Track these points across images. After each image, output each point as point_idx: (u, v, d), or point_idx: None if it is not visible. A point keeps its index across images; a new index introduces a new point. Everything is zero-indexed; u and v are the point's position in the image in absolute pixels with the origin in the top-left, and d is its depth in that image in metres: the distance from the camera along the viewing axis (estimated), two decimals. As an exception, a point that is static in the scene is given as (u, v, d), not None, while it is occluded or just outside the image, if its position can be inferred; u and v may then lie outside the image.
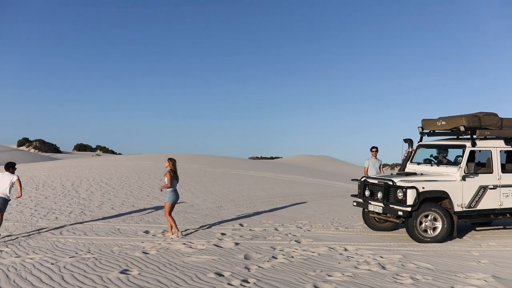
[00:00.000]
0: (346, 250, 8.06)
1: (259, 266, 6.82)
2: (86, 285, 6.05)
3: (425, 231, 8.77)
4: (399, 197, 8.69)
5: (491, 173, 9.37)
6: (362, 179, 9.92)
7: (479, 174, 9.24)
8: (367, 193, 9.64)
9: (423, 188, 8.68)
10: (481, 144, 9.48)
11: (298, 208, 13.48)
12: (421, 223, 8.72)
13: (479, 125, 9.44)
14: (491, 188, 9.23)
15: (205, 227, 10.06)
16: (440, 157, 10.01)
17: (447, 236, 8.83)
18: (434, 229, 8.79)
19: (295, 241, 8.73)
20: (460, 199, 8.98)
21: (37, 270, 6.94)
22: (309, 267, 6.85)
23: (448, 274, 6.60)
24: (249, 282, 6.02)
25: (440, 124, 9.89)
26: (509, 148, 9.68)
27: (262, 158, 75.65)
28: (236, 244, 8.38)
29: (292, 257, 7.45)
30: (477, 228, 10.46)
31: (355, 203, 9.93)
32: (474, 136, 9.49)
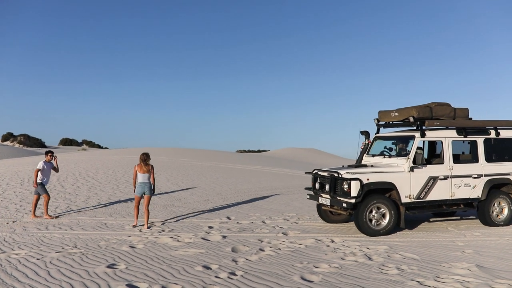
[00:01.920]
0: (333, 241, 8.12)
1: (246, 259, 6.85)
2: (72, 280, 6.01)
3: (373, 222, 8.63)
4: (345, 189, 8.56)
5: (442, 163, 9.28)
6: (314, 172, 9.79)
7: (430, 165, 9.16)
8: (317, 185, 9.54)
9: (368, 179, 8.55)
10: (432, 135, 9.39)
11: (285, 201, 13.53)
12: (369, 215, 8.59)
13: (430, 115, 9.35)
14: (441, 179, 9.12)
15: (193, 221, 10.05)
16: (394, 149, 9.79)
17: (394, 227, 8.79)
18: (383, 220, 8.68)
19: (282, 233, 8.77)
20: (408, 190, 8.84)
21: (23, 265, 6.88)
22: (296, 259, 6.90)
23: (433, 264, 6.69)
24: (236, 275, 6.04)
25: (394, 115, 9.80)
26: (461, 138, 9.60)
27: (249, 151, 75.71)
28: (224, 237, 8.39)
29: (280, 249, 7.49)
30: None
31: (308, 196, 9.82)
32: (424, 127, 9.40)
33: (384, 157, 9.69)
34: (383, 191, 8.86)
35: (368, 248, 7.60)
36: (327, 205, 9.36)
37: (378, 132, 10.58)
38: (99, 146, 78.56)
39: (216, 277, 5.96)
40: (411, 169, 8.89)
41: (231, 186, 17.13)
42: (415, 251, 7.47)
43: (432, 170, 9.11)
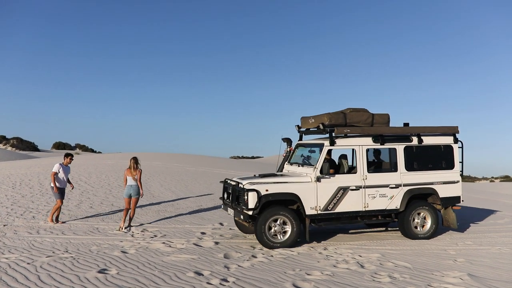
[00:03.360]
0: (325, 249, 8.12)
1: (238, 265, 6.83)
2: (63, 285, 5.97)
3: (275, 235, 8.17)
4: (244, 200, 8.14)
5: (355, 173, 8.72)
6: (224, 181, 9.39)
7: (341, 175, 8.65)
8: (225, 195, 9.21)
9: (267, 190, 8.09)
10: (344, 143, 8.79)
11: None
12: (270, 227, 8.14)
13: (344, 122, 8.79)
14: (353, 189, 8.50)
15: (185, 226, 10.02)
16: (310, 157, 9.34)
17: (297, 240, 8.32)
18: (284, 233, 8.19)
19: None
20: (314, 201, 8.29)
21: (13, 269, 6.82)
22: (288, 266, 6.88)
23: (425, 272, 6.70)
24: (228, 281, 6.02)
25: (311, 122, 9.31)
26: (377, 146, 8.98)
27: (243, 157, 75.62)
28: (216, 243, 8.36)
29: (272, 256, 7.47)
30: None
31: (222, 206, 9.43)
32: (334, 134, 8.77)
33: (299, 166, 9.18)
34: (286, 202, 8.36)
35: (360, 256, 7.60)
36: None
37: (300, 139, 10.07)
38: (92, 150, 78.16)
39: (208, 283, 5.93)
40: (318, 179, 8.34)
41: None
42: (407, 259, 7.48)
43: (343, 180, 8.53)
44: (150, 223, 10.37)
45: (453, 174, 9.36)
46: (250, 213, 8.04)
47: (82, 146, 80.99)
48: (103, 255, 7.53)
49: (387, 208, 8.78)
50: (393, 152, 9.02)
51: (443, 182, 9.19)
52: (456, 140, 9.45)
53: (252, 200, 7.98)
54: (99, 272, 6.51)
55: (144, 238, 8.73)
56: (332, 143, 8.59)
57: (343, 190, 8.47)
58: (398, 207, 8.84)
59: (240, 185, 8.39)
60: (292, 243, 8.15)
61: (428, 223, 9.14)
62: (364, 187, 8.62)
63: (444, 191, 9.18)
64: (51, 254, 7.68)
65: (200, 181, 19.98)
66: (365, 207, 8.62)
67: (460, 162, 9.49)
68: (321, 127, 8.70)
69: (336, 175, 8.57)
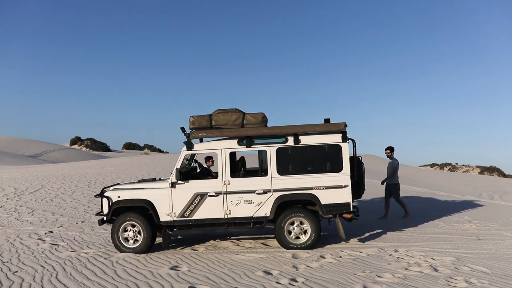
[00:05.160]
0: (396, 251, 7.89)
1: (307, 266, 6.79)
2: (138, 280, 6.21)
3: (127, 240, 8.01)
4: (101, 206, 8.23)
5: (216, 178, 8.11)
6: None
7: (199, 180, 8.17)
8: None
9: (119, 197, 8.03)
10: (204, 147, 8.25)
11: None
12: (122, 233, 8.02)
13: (209, 124, 8.16)
14: (211, 196, 7.93)
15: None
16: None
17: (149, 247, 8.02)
18: (137, 240, 8.01)
19: (343, 241, 8.62)
20: (169, 208, 7.94)
21: (92, 264, 7.20)
22: (358, 267, 6.75)
23: (505, 278, 6.33)
24: (297, 281, 6.00)
25: (190, 121, 8.54)
26: (244, 149, 8.15)
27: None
28: (284, 243, 8.36)
29: (341, 257, 7.37)
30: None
31: None
32: (190, 138, 8.22)
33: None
34: (142, 209, 8.16)
35: (433, 259, 7.31)
36: None
37: (201, 141, 9.10)
38: (160, 150, 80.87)
39: (277, 283, 5.95)
40: (172, 185, 7.98)
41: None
42: (485, 264, 7.10)
43: (200, 186, 8.01)
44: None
45: (340, 178, 7.94)
46: (104, 218, 8.15)
47: (150, 146, 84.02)
48: (174, 252, 7.77)
49: (254, 216, 7.92)
50: (263, 154, 8.21)
51: (326, 187, 7.91)
52: (345, 139, 8.05)
53: (105, 206, 8.07)
54: (171, 268, 6.72)
55: (213, 237, 8.91)
56: (190, 147, 8.12)
57: (201, 196, 7.94)
58: (268, 214, 7.89)
59: (103, 191, 8.37)
60: (143, 249, 7.93)
61: (308, 232, 7.95)
62: (225, 193, 7.94)
63: (327, 197, 7.89)
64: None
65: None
66: (227, 214, 7.92)
67: (353, 164, 8.32)
68: (182, 131, 8.20)
69: (194, 181, 8.09)
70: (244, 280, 6.08)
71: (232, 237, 9.01)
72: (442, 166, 68.49)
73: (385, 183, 11.64)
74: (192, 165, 9.32)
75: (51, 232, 9.91)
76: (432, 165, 70.67)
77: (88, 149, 74.57)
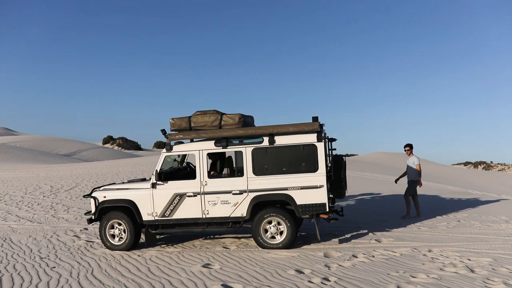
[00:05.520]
0: (430, 251, 7.74)
1: (339, 265, 6.73)
2: (171, 278, 6.29)
3: (114, 237, 8.31)
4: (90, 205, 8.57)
5: (194, 178, 8.16)
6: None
7: (178, 181, 8.25)
8: None
9: (104, 197, 8.35)
10: (183, 148, 8.34)
11: (375, 206, 13.15)
12: (109, 230, 8.33)
13: (188, 126, 8.27)
14: (190, 196, 8.03)
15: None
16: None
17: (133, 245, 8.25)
18: (121, 238, 8.27)
19: (375, 240, 8.51)
20: (151, 208, 8.16)
21: (126, 261, 7.34)
22: (391, 267, 6.66)
23: (545, 280, 6.13)
24: (330, 281, 5.96)
25: (171, 123, 8.74)
26: (220, 150, 8.20)
27: (336, 155, 74.59)
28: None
29: (373, 256, 7.28)
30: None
31: None
32: (168, 141, 8.35)
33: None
34: (125, 209, 8.36)
35: (469, 260, 7.14)
36: None
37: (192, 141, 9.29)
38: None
39: (309, 281, 5.92)
40: (153, 186, 8.17)
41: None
42: (524, 265, 6.89)
43: (179, 186, 8.13)
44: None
45: (316, 178, 7.77)
46: (92, 217, 8.51)
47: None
48: (206, 250, 7.84)
49: (231, 216, 7.96)
50: (239, 155, 8.14)
51: (302, 187, 7.77)
52: (320, 138, 7.86)
53: (92, 205, 8.44)
54: (203, 266, 6.78)
55: (244, 235, 8.94)
56: (169, 149, 8.26)
57: (180, 196, 8.06)
58: (244, 214, 7.90)
59: (92, 192, 8.72)
60: (127, 247, 8.17)
61: (284, 232, 7.88)
62: (202, 194, 8.02)
63: (302, 198, 7.76)
64: (158, 248, 8.16)
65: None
66: (204, 214, 8.01)
67: (330, 163, 8.31)
68: (162, 133, 8.30)
69: (173, 182, 8.21)
70: (276, 279, 6.08)
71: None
72: (476, 165, 66.91)
73: (407, 181, 11.41)
74: (183, 165, 9.51)
75: (86, 229, 10.15)
76: (466, 164, 69.13)
77: (120, 148, 75.93)
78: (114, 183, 9.15)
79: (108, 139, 79.39)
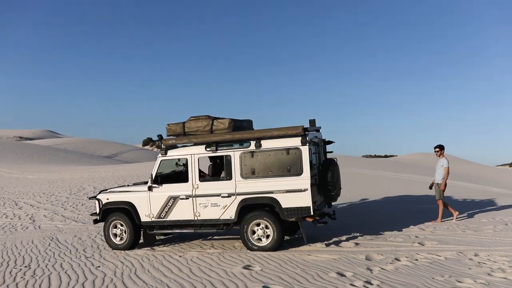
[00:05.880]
0: (476, 255, 7.49)
1: (381, 268, 6.61)
2: (212, 279, 6.35)
3: (116, 237, 8.80)
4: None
5: (187, 182, 8.38)
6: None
7: (172, 184, 8.53)
8: None
9: (107, 199, 8.87)
10: (177, 152, 8.66)
11: (417, 209, 12.84)
12: (112, 230, 8.81)
13: (182, 131, 8.54)
14: (183, 198, 8.29)
15: (323, 226, 9.97)
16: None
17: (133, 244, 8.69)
18: (122, 238, 8.74)
19: (418, 243, 8.31)
20: (148, 209, 8.52)
21: (167, 261, 7.46)
22: (435, 271, 6.48)
23: None
24: (372, 284, 5.86)
25: (167, 128, 9.08)
26: (210, 154, 8.38)
27: (375, 156, 73.50)
28: (356, 244, 8.21)
29: (417, 260, 7.10)
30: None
31: None
32: (163, 146, 8.73)
33: None
34: (125, 210, 8.78)
35: (519, 265, 6.87)
36: None
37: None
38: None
39: (352, 285, 5.84)
40: (150, 189, 8.52)
41: (359, 191, 16.77)
42: None
43: (173, 189, 8.44)
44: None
45: (300, 181, 7.77)
46: (96, 218, 9.04)
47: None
48: (246, 252, 7.86)
49: (220, 218, 8.12)
50: (228, 159, 8.24)
51: (287, 191, 7.79)
52: (304, 142, 7.82)
53: (97, 207, 9.01)
54: (244, 268, 6.80)
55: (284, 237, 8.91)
56: (165, 153, 8.64)
57: (174, 199, 8.38)
58: (232, 217, 8.03)
59: (99, 194, 9.29)
60: (127, 246, 8.62)
61: (270, 235, 7.92)
62: (194, 196, 8.25)
63: (287, 201, 7.78)
64: (199, 249, 8.25)
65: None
66: (196, 216, 8.24)
67: (316, 166, 8.38)
68: (159, 138, 8.75)
69: (167, 184, 8.54)
70: (318, 282, 6.03)
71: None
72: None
73: (434, 184, 11.00)
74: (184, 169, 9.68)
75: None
76: (511, 165, 66.68)
77: (159, 149, 77.25)
78: (123, 186, 9.76)
79: (148, 141, 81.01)
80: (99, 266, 7.41)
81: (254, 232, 8.00)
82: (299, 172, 7.80)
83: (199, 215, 8.23)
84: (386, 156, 72.51)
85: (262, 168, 7.99)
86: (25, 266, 7.73)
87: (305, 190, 7.70)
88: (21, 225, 12.18)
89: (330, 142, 9.32)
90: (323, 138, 9.28)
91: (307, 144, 7.81)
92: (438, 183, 10.71)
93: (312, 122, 8.50)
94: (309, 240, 8.35)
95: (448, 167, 10.65)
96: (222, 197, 8.09)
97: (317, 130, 9.11)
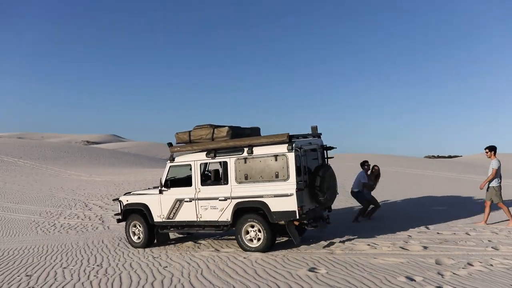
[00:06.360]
0: (557, 261, 7.01)
1: (453, 273, 6.33)
2: (278, 281, 6.34)
3: (135, 236, 9.70)
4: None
5: (191, 186, 9.04)
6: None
7: (178, 188, 9.25)
8: None
9: (127, 201, 9.80)
10: (183, 159, 9.31)
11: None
12: (132, 229, 9.74)
13: (188, 139, 9.22)
14: (187, 201, 8.99)
15: (388, 228, 9.73)
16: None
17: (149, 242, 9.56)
18: (139, 236, 9.63)
19: (492, 247, 7.89)
20: (159, 211, 9.30)
21: (232, 263, 7.53)
22: (513, 278, 6.12)
23: None
24: (444, 290, 5.63)
25: (176, 136, 9.79)
26: (210, 160, 8.97)
27: (439, 157, 70.85)
28: (425, 248, 7.90)
29: (491, 265, 6.74)
30: None
31: None
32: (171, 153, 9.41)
33: None
34: (141, 212, 9.61)
35: None
36: None
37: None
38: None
39: (422, 290, 5.64)
40: (160, 192, 9.31)
41: (424, 192, 16.21)
42: None
43: (180, 192, 9.16)
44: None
45: (287, 186, 8.05)
46: (119, 218, 10.05)
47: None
48: (311, 254, 7.80)
49: (219, 220, 8.69)
50: (224, 165, 8.79)
51: (275, 195, 8.10)
52: (291, 149, 8.07)
53: (119, 208, 10.00)
54: (309, 270, 6.73)
55: (349, 239, 8.77)
56: (173, 160, 9.32)
57: (180, 201, 9.08)
58: (228, 219, 8.55)
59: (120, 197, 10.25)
60: (143, 245, 9.51)
61: (261, 237, 8.31)
62: (196, 199, 8.88)
63: (276, 205, 8.10)
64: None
65: (393, 182, 19.34)
66: (198, 217, 8.87)
67: (305, 172, 8.47)
68: (168, 145, 9.45)
69: (175, 188, 9.25)
70: (386, 286, 5.86)
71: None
72: None
73: (486, 186, 10.40)
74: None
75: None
76: None
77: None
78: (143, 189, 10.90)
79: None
80: (166, 266, 7.60)
81: (247, 233, 8.44)
82: (285, 178, 8.15)
83: (201, 217, 8.89)
84: (450, 157, 69.71)
85: (253, 174, 8.46)
86: (98, 265, 8.07)
87: (291, 194, 8.01)
88: (91, 226, 12.75)
89: (330, 148, 9.62)
90: (323, 144, 9.57)
91: (293, 150, 8.09)
92: (493, 186, 10.24)
93: (314, 128, 9.34)
94: (370, 240, 8.15)
95: (496, 169, 10.11)
96: (219, 200, 8.68)
97: (318, 136, 9.53)
